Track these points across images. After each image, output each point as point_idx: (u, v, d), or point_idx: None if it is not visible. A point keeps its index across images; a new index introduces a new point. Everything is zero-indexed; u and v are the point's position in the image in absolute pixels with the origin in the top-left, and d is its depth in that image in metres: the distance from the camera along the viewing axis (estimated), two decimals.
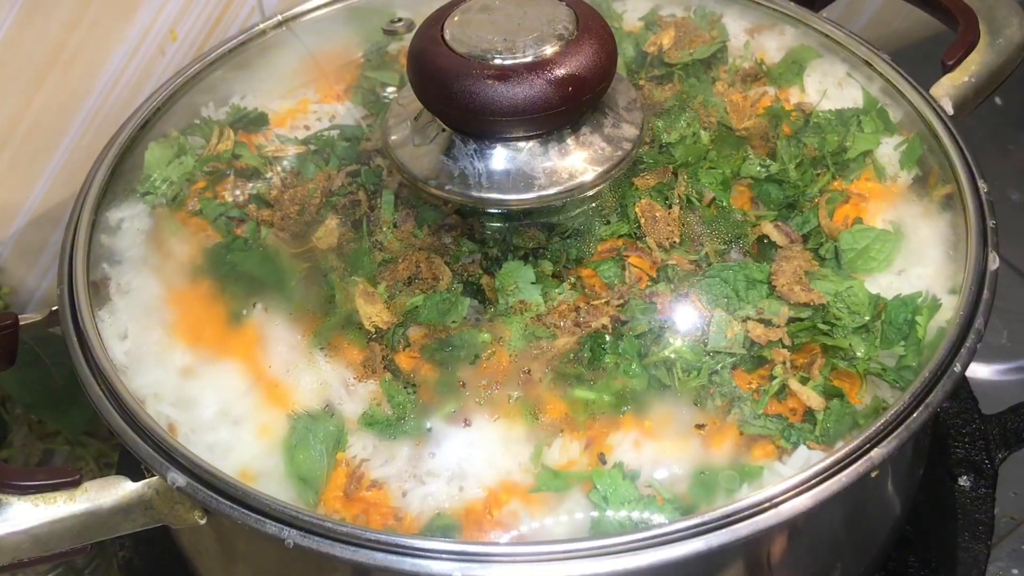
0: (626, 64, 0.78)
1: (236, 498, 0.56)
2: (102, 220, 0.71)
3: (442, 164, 0.66)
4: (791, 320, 0.62)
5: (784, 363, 0.60)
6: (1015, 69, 0.77)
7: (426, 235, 0.67)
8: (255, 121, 0.77)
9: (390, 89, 0.78)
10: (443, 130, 0.67)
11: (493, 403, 0.60)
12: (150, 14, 0.90)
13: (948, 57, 0.75)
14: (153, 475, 0.58)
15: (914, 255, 0.66)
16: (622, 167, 0.67)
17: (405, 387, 0.61)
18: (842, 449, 0.55)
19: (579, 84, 0.62)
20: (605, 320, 0.62)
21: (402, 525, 0.56)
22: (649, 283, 0.64)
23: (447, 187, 0.65)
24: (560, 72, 0.61)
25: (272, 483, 0.58)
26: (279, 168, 0.73)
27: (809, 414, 0.59)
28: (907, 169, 0.71)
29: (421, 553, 0.53)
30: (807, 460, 0.57)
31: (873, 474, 0.55)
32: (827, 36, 0.79)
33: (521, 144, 0.65)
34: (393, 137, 0.69)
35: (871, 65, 0.76)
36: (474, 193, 0.65)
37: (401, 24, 0.82)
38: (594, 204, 0.67)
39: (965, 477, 0.79)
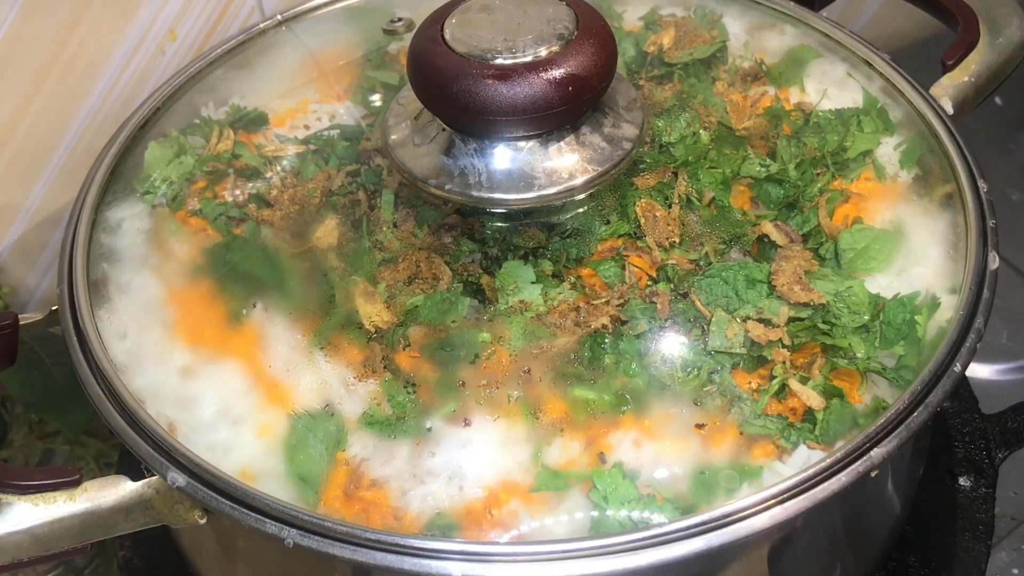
0: (626, 64, 0.78)
1: (236, 498, 0.56)
2: (102, 220, 0.71)
3: (442, 164, 0.66)
4: (791, 320, 0.62)
5: (784, 363, 0.60)
6: (1015, 69, 0.77)
7: (426, 235, 0.67)
8: (255, 121, 0.77)
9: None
10: (443, 130, 0.67)
11: (493, 403, 0.60)
12: (150, 14, 0.90)
13: (948, 57, 0.75)
14: (153, 475, 0.58)
15: (914, 255, 0.66)
16: (622, 167, 0.67)
17: (405, 387, 0.61)
18: (842, 449, 0.55)
19: (579, 84, 0.62)
20: (605, 320, 0.62)
21: (402, 525, 0.56)
22: (649, 283, 0.64)
23: (447, 187, 0.65)
24: (560, 72, 0.61)
25: (272, 483, 0.58)
26: (279, 168, 0.73)
27: (809, 414, 0.59)
28: (907, 169, 0.71)
29: (421, 552, 0.53)
30: (807, 460, 0.57)
31: (873, 474, 0.55)
32: (827, 36, 0.79)
33: (521, 144, 0.65)
34: (393, 137, 0.69)
35: (871, 65, 0.76)
36: (474, 193, 0.65)
37: (401, 24, 0.82)
38: (594, 204, 0.67)
39: (965, 477, 0.79)
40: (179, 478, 0.57)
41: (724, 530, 0.53)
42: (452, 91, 0.62)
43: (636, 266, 0.64)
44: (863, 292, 0.63)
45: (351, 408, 0.61)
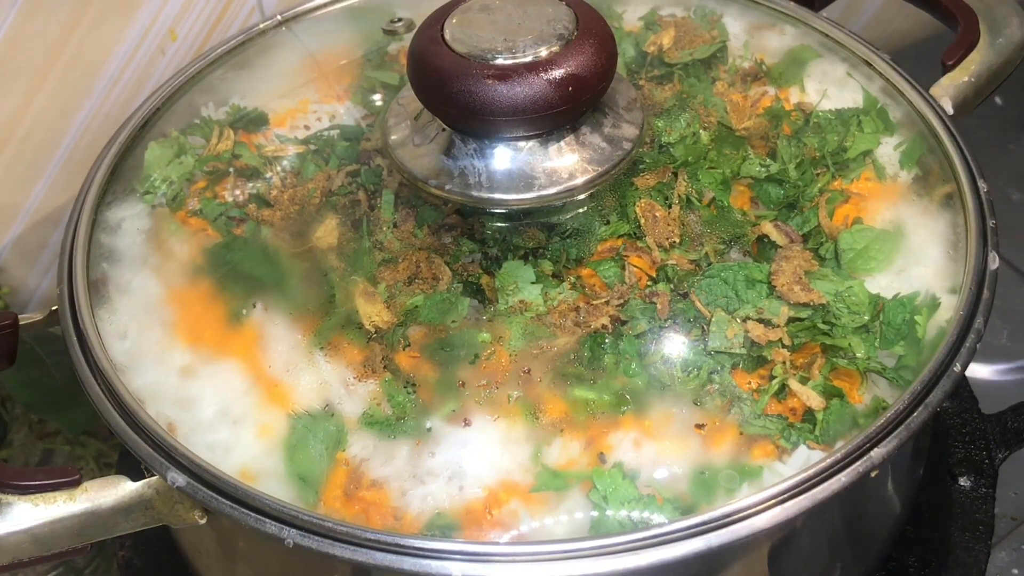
0: (626, 64, 0.78)
1: (236, 498, 0.56)
2: (102, 220, 0.71)
3: (442, 164, 0.66)
4: (791, 320, 0.62)
5: (784, 363, 0.60)
6: (1015, 69, 0.77)
7: (426, 235, 0.67)
8: (255, 121, 0.77)
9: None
10: (443, 130, 0.67)
11: (493, 403, 0.60)
12: (150, 14, 0.90)
13: (948, 57, 0.75)
14: (153, 475, 0.58)
15: (914, 255, 0.66)
16: (622, 167, 0.67)
17: (405, 387, 0.61)
18: (842, 449, 0.55)
19: (579, 84, 0.62)
20: (605, 320, 0.62)
21: (402, 525, 0.56)
22: (649, 283, 0.64)
23: (447, 187, 0.65)
24: (560, 72, 0.61)
25: (272, 483, 0.58)
26: (279, 168, 0.73)
27: (809, 414, 0.59)
28: (907, 169, 0.71)
29: (421, 552, 0.53)
30: (807, 460, 0.57)
31: (873, 474, 0.55)
32: (827, 36, 0.79)
33: (521, 144, 0.65)
34: (393, 137, 0.69)
35: (871, 65, 0.76)
36: (474, 193, 0.65)
37: (401, 24, 0.82)
38: (594, 204, 0.67)
39: (965, 477, 0.79)
40: (179, 478, 0.57)
41: (724, 530, 0.53)
42: (452, 91, 0.62)
43: (636, 266, 0.64)
44: (863, 292, 0.62)
45: (351, 408, 0.61)
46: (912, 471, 0.73)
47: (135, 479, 0.58)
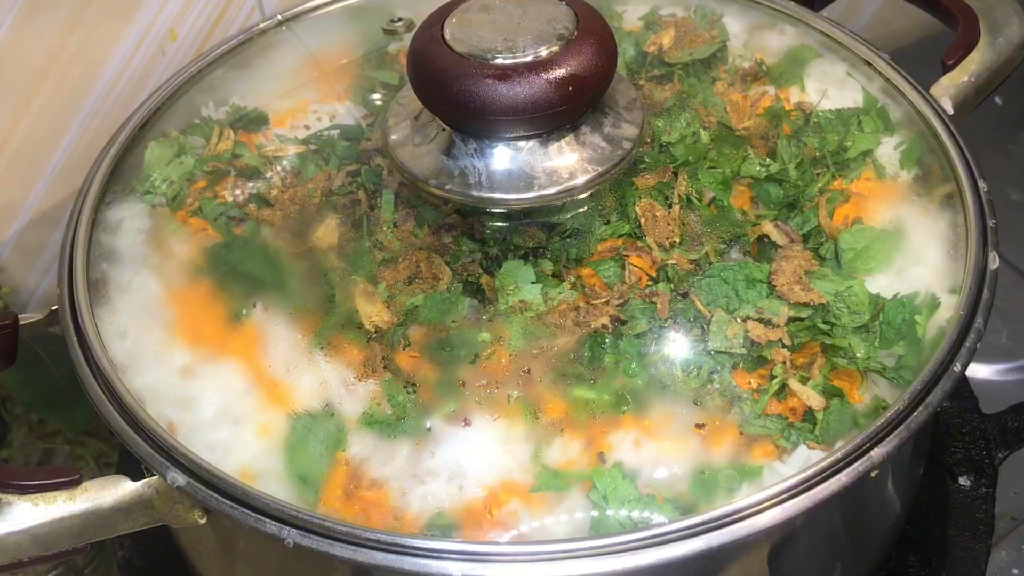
0: (626, 64, 0.78)
1: (236, 497, 0.56)
2: (102, 219, 0.71)
3: (442, 163, 0.66)
4: (791, 320, 0.62)
5: (784, 363, 0.60)
6: (1015, 69, 0.77)
7: (426, 235, 0.67)
8: (255, 121, 0.77)
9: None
10: (443, 129, 0.67)
11: (493, 403, 0.60)
12: (150, 14, 0.90)
13: (948, 57, 0.75)
14: (153, 475, 0.58)
15: (914, 255, 0.66)
16: (622, 167, 0.67)
17: (405, 387, 0.61)
18: (842, 449, 0.55)
19: (579, 84, 0.62)
20: (605, 320, 0.62)
21: (402, 525, 0.56)
22: (649, 283, 0.64)
23: (447, 187, 0.65)
24: (560, 72, 0.61)
25: (272, 483, 0.58)
26: (279, 168, 0.73)
27: (809, 414, 0.59)
28: (907, 168, 0.71)
29: (421, 552, 0.53)
30: (807, 460, 0.57)
31: (873, 474, 0.55)
32: (827, 36, 0.79)
33: (521, 143, 0.65)
34: (393, 137, 0.69)
35: (871, 65, 0.77)
36: (474, 193, 0.65)
37: (401, 24, 0.82)
38: (594, 204, 0.67)
39: (965, 477, 0.79)
40: (179, 478, 0.57)
41: (724, 530, 0.53)
42: (452, 91, 0.62)
43: (636, 266, 0.64)
44: (863, 292, 0.62)
45: (351, 408, 0.61)
46: (912, 471, 0.73)
47: (135, 479, 0.58)
